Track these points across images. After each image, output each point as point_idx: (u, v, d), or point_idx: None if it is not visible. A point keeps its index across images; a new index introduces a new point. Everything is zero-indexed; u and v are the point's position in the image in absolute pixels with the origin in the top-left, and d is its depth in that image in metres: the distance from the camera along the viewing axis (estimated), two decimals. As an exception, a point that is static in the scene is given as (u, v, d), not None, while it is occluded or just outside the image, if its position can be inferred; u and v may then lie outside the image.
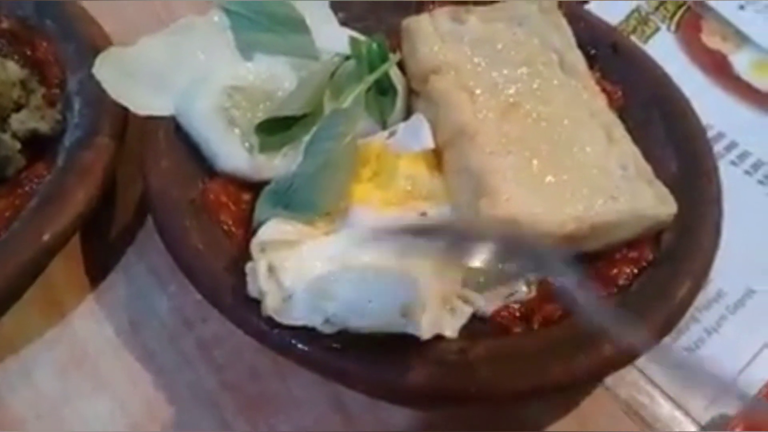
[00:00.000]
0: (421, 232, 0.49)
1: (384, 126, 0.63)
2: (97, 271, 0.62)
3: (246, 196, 0.60)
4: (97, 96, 0.64)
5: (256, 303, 0.52)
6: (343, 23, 0.71)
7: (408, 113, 0.64)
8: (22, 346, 0.57)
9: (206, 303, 0.54)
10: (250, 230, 0.56)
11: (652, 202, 0.55)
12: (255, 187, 0.60)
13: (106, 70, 0.63)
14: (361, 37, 0.67)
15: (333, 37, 0.69)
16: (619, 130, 0.60)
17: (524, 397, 0.51)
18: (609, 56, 0.68)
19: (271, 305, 0.51)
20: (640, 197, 0.55)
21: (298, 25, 0.68)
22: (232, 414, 0.55)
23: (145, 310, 0.60)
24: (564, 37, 0.65)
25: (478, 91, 0.60)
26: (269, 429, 0.54)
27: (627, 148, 0.59)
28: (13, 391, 0.55)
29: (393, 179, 0.58)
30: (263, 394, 0.55)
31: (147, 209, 0.63)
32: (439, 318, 0.52)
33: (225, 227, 0.58)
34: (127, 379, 0.56)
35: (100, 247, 0.63)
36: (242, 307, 0.52)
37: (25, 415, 0.54)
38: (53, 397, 0.55)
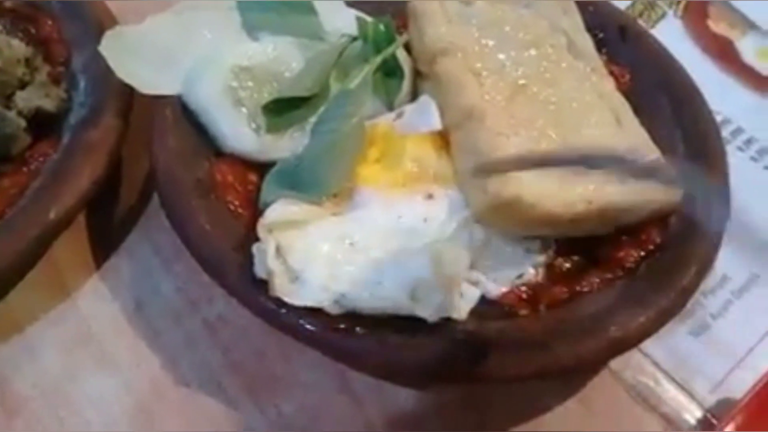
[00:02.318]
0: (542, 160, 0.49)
1: (391, 107, 0.63)
2: (103, 250, 0.62)
3: (252, 177, 0.60)
4: (102, 75, 0.63)
5: (263, 283, 0.51)
6: (350, 4, 0.71)
7: (414, 95, 0.64)
8: (27, 325, 0.57)
9: (212, 283, 0.54)
10: (257, 211, 0.56)
11: (660, 185, 0.55)
12: (261, 167, 0.59)
13: (113, 49, 0.63)
14: (368, 18, 0.67)
15: (340, 18, 0.68)
16: (627, 113, 0.60)
17: (530, 379, 0.51)
18: (617, 39, 0.68)
19: (278, 286, 0.51)
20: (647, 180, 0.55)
21: (305, 6, 0.68)
22: (238, 394, 0.55)
23: (151, 290, 0.60)
24: (572, 19, 0.65)
25: (485, 73, 0.60)
26: (275, 409, 0.54)
27: (635, 131, 0.58)
28: (18, 369, 0.55)
29: (400, 161, 0.58)
30: (269, 375, 0.55)
31: (153, 189, 0.62)
32: (447, 300, 0.52)
33: (231, 207, 0.58)
34: (132, 359, 0.56)
35: (106, 227, 0.63)
36: (249, 288, 0.52)
37: (29, 393, 0.54)
38: (58, 376, 0.55)
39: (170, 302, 0.59)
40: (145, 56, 0.64)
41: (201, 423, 0.53)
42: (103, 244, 0.62)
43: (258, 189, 0.58)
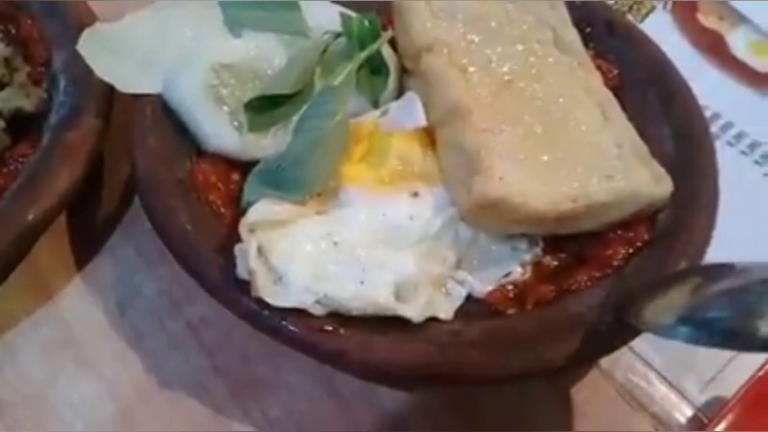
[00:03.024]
0: None
1: (376, 105, 0.62)
2: (84, 252, 0.61)
3: (235, 176, 0.59)
4: (82, 74, 0.62)
5: (246, 284, 0.51)
6: (335, 0, 0.70)
7: (400, 92, 0.63)
8: (8, 328, 0.57)
9: (194, 285, 0.53)
10: (239, 211, 0.55)
11: (648, 181, 0.55)
12: (244, 166, 0.59)
13: (92, 47, 0.62)
14: (353, 14, 0.66)
15: (323, 14, 0.67)
16: (615, 109, 0.59)
17: (518, 379, 0.50)
18: (604, 34, 0.67)
19: (261, 287, 0.50)
20: (635, 176, 0.54)
21: (288, 2, 0.67)
22: (223, 398, 0.54)
23: (133, 292, 0.59)
24: (559, 14, 0.64)
25: (471, 69, 0.59)
26: (261, 413, 0.53)
27: (623, 127, 0.58)
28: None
29: (385, 158, 0.57)
30: (254, 378, 0.55)
31: (134, 189, 0.62)
32: (433, 300, 0.51)
33: (214, 207, 0.57)
34: (115, 362, 0.55)
35: (87, 228, 0.62)
36: (232, 289, 0.51)
37: (11, 397, 0.53)
38: (39, 380, 0.54)
39: (153, 304, 0.58)
40: (124, 54, 0.63)
41: (186, 427, 0.52)
42: (85, 246, 0.61)
43: (240, 188, 0.57)
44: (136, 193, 0.58)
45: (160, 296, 0.58)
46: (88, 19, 0.68)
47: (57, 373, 0.54)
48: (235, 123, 0.60)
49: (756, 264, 0.46)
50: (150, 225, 0.55)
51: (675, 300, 0.46)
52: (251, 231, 0.53)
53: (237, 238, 0.53)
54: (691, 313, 0.43)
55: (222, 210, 0.57)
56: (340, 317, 0.50)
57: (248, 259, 0.51)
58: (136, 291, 0.59)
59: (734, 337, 0.41)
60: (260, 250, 0.52)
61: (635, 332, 0.50)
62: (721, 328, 0.42)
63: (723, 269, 0.48)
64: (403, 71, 0.64)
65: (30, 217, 0.55)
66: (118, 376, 0.54)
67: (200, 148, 0.60)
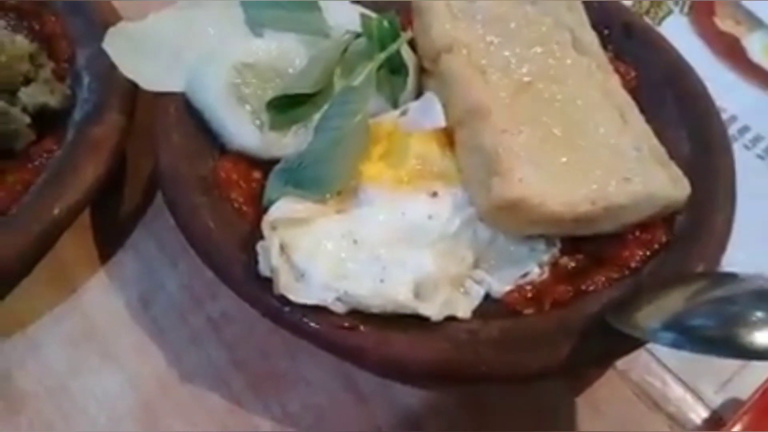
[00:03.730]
0: None
1: (395, 105, 0.63)
2: (107, 246, 0.62)
3: (256, 174, 0.60)
4: (106, 71, 0.63)
5: (268, 281, 0.51)
6: (355, 0, 0.71)
7: (419, 92, 0.64)
8: (32, 321, 0.57)
9: (216, 280, 0.54)
10: (261, 208, 0.56)
11: (666, 183, 0.55)
12: (265, 164, 0.59)
13: (117, 46, 0.63)
14: (373, 15, 0.67)
15: (344, 15, 0.68)
16: (633, 111, 0.59)
17: (535, 379, 0.51)
18: (622, 36, 0.68)
19: (283, 283, 0.51)
20: (653, 178, 0.55)
21: (309, 2, 0.68)
22: (243, 392, 0.55)
23: (156, 287, 0.60)
24: (577, 16, 0.64)
25: (490, 70, 0.59)
26: (280, 408, 0.54)
27: (640, 129, 0.58)
28: (23, 365, 0.55)
29: (404, 158, 0.58)
30: (274, 373, 0.55)
31: (157, 186, 0.63)
32: (452, 299, 0.52)
33: (235, 205, 0.58)
34: (137, 355, 0.56)
35: (110, 223, 0.63)
36: (254, 286, 0.52)
37: (34, 389, 0.54)
38: (62, 372, 0.55)
39: (175, 299, 0.59)
40: (148, 53, 0.64)
41: (206, 421, 0.53)
42: (108, 241, 0.62)
43: (262, 186, 0.58)
44: (160, 190, 0.59)
45: (182, 291, 0.59)
46: (111, 17, 0.69)
47: (80, 366, 0.55)
48: (257, 122, 0.60)
49: (755, 275, 0.47)
50: (172, 221, 0.56)
51: (667, 306, 0.47)
52: (273, 228, 0.53)
53: (259, 236, 0.53)
54: (677, 319, 0.45)
55: (244, 207, 0.58)
56: (359, 314, 0.50)
57: (271, 256, 0.51)
58: (159, 286, 0.60)
59: (715, 344, 0.43)
60: (282, 248, 0.52)
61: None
62: (703, 336, 0.43)
63: (725, 277, 0.49)
64: (422, 71, 0.64)
65: (55, 211, 0.56)
66: (140, 369, 0.55)
67: (223, 146, 0.60)
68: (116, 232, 0.63)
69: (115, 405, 0.53)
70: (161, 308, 0.58)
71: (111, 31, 0.63)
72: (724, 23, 0.79)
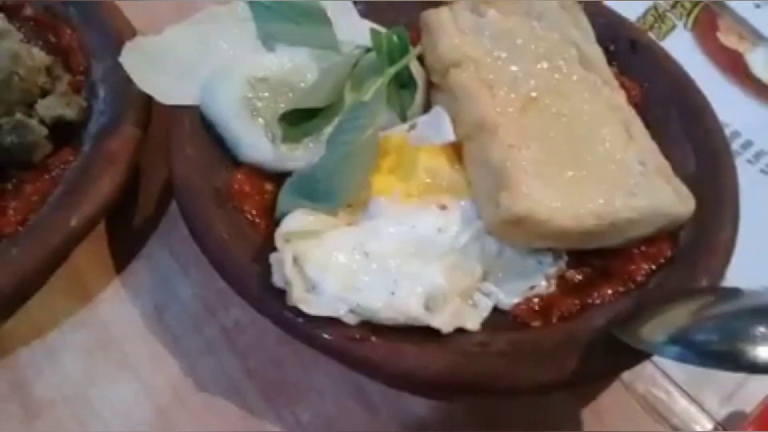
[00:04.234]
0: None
1: (404, 119, 0.64)
2: (121, 256, 0.63)
3: (268, 186, 0.61)
4: (122, 84, 0.64)
5: (281, 292, 0.52)
6: (363, 15, 0.72)
7: (427, 106, 0.65)
8: (48, 329, 0.58)
9: (228, 290, 0.55)
10: (273, 220, 0.57)
11: (671, 199, 0.56)
12: (277, 177, 0.60)
13: (133, 59, 0.64)
14: (382, 30, 0.68)
15: (353, 29, 0.69)
16: (639, 126, 0.60)
17: (543, 391, 0.52)
18: (627, 52, 0.69)
19: (296, 295, 0.52)
20: (658, 194, 0.56)
21: (319, 17, 0.69)
22: (256, 400, 0.56)
23: (169, 296, 0.61)
24: (583, 32, 0.65)
25: (498, 85, 0.60)
26: (292, 416, 0.55)
27: (646, 144, 0.59)
28: (40, 373, 0.56)
29: (413, 171, 0.59)
30: (285, 382, 0.56)
31: (170, 197, 0.64)
32: (461, 311, 0.52)
33: (248, 217, 0.59)
34: (152, 363, 0.57)
35: (125, 233, 0.64)
36: (267, 297, 0.53)
37: (51, 396, 0.55)
38: (79, 380, 0.56)
39: (188, 308, 0.60)
40: (164, 67, 0.65)
41: (220, 428, 0.53)
42: (123, 250, 0.63)
43: (274, 198, 0.59)
44: (174, 202, 0.60)
45: (195, 300, 0.60)
46: (126, 31, 0.70)
47: (96, 374, 0.56)
48: (270, 135, 0.61)
49: (759, 291, 0.48)
50: (185, 232, 0.57)
51: (672, 320, 0.48)
52: (287, 241, 0.54)
53: (271, 247, 0.54)
54: (682, 334, 0.46)
55: (257, 219, 0.59)
56: (370, 326, 0.51)
57: (284, 268, 0.52)
58: (172, 295, 0.61)
59: (719, 359, 0.44)
60: (295, 260, 0.53)
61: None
62: (708, 350, 0.44)
63: (729, 292, 0.50)
64: (431, 86, 0.65)
65: (72, 222, 0.57)
66: (155, 377, 0.56)
67: (236, 158, 0.61)
68: (130, 241, 0.64)
69: (131, 413, 0.54)
70: (175, 317, 0.59)
71: (127, 45, 0.65)
72: (728, 39, 0.80)
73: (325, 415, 0.55)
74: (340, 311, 0.51)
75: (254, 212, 0.59)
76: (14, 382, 0.55)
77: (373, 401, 0.56)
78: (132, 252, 0.63)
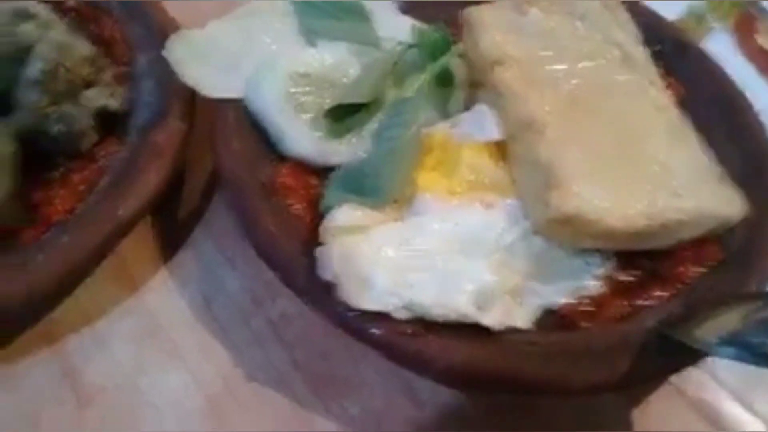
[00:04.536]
0: None
1: (445, 116, 0.64)
2: (169, 246, 0.63)
3: (313, 180, 0.61)
4: (166, 76, 0.65)
5: (329, 286, 0.53)
6: (404, 12, 0.72)
7: (468, 104, 0.64)
8: (98, 318, 0.59)
9: (274, 283, 0.55)
10: (318, 214, 0.58)
11: (719, 201, 0.56)
12: (321, 171, 0.61)
13: (177, 52, 0.65)
14: (424, 26, 0.68)
15: (393, 26, 0.70)
16: (686, 127, 0.60)
17: (596, 392, 0.52)
18: (671, 53, 0.69)
19: (346, 290, 0.52)
20: (707, 196, 0.55)
21: (360, 13, 0.70)
22: (304, 393, 0.56)
23: (216, 287, 0.61)
24: (627, 32, 0.65)
25: (542, 84, 0.60)
26: (341, 409, 0.55)
27: (693, 146, 0.59)
28: (90, 361, 0.57)
29: (457, 168, 0.59)
30: (333, 375, 0.57)
31: (214, 189, 0.64)
32: (510, 309, 0.53)
33: (294, 210, 0.59)
34: (201, 353, 0.57)
35: (170, 224, 0.65)
36: (316, 290, 0.53)
37: (103, 383, 0.56)
38: (129, 368, 0.57)
39: (235, 300, 0.60)
40: (207, 60, 0.66)
41: (271, 420, 0.54)
42: (169, 241, 0.64)
43: (318, 192, 0.59)
44: (220, 194, 0.60)
45: (242, 292, 0.60)
46: (168, 24, 0.70)
47: (146, 363, 0.57)
48: (314, 130, 0.62)
49: None
50: (229, 224, 0.58)
51: (726, 321, 0.48)
52: (334, 235, 0.55)
53: (316, 241, 0.55)
54: (737, 335, 0.46)
55: (301, 213, 0.59)
56: (421, 322, 0.52)
57: (332, 262, 0.53)
58: (219, 286, 0.61)
59: None
60: (343, 254, 0.54)
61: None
62: (764, 351, 0.45)
63: None
64: (472, 83, 0.65)
65: (120, 213, 0.58)
66: (205, 367, 0.56)
67: (280, 152, 0.62)
68: (176, 232, 0.64)
69: (182, 402, 0.55)
70: (222, 308, 0.60)
71: (173, 38, 0.65)
72: (766, 41, 0.80)
73: (374, 409, 0.55)
74: (390, 306, 0.52)
75: (299, 206, 0.59)
76: (65, 369, 0.56)
77: (421, 397, 0.56)
78: (177, 242, 0.63)
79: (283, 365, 0.57)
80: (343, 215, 0.56)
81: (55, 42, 0.64)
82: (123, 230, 0.58)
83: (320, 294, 0.53)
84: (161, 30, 0.69)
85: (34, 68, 0.62)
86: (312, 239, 0.56)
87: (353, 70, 0.65)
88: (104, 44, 0.70)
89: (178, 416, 0.54)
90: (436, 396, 0.56)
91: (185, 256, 0.62)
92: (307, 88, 0.63)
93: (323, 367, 0.57)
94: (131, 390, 0.55)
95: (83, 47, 0.67)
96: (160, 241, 0.63)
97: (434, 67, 0.65)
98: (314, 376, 0.57)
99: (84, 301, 0.59)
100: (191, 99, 0.65)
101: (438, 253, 0.55)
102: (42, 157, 0.62)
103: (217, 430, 0.53)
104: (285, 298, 0.57)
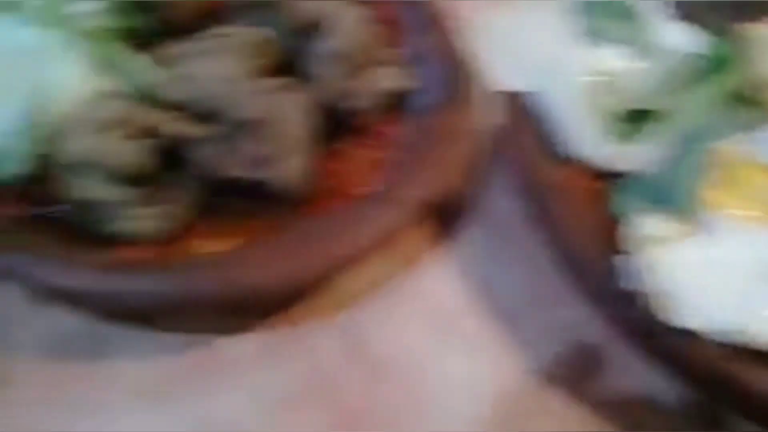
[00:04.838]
0: None
1: (733, 132, 0.62)
2: (445, 234, 0.64)
3: (597, 185, 0.60)
4: (450, 63, 0.66)
5: (628, 297, 0.52)
6: (678, 17, 0.70)
7: (748, 121, 0.62)
8: (380, 294, 0.59)
9: (557, 285, 0.56)
10: (603, 220, 0.57)
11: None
12: (605, 175, 0.60)
13: (467, 40, 0.65)
14: (711, 37, 0.66)
15: (676, 34, 0.68)
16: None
17: None
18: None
19: (656, 304, 0.51)
20: None
21: (638, 16, 0.68)
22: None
23: (499, 276, 0.61)
24: None
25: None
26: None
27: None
28: (375, 334, 0.57)
29: (751, 189, 0.58)
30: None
31: (487, 179, 0.65)
32: None
33: (580, 213, 0.58)
34: (492, 344, 0.57)
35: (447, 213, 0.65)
36: (615, 301, 0.53)
37: (393, 357, 0.56)
38: (416, 347, 0.56)
39: (520, 296, 0.60)
40: (497, 51, 0.66)
41: (570, 420, 0.53)
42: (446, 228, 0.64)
43: (602, 197, 0.59)
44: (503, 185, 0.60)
45: (524, 290, 0.60)
46: (444, 13, 0.71)
47: (431, 344, 0.56)
48: (603, 133, 0.61)
49: None
50: (499, 216, 0.60)
51: None
52: (640, 245, 0.54)
53: (604, 247, 0.54)
54: None
55: (587, 217, 0.58)
56: (732, 346, 0.50)
57: (639, 273, 0.52)
58: (502, 276, 0.61)
59: None
60: (649, 266, 0.53)
61: None
62: None
63: None
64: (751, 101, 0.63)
65: (422, 194, 0.59)
66: (494, 358, 0.56)
67: (566, 152, 0.61)
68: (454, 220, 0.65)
69: (473, 391, 0.54)
70: (507, 298, 0.59)
71: (460, 26, 0.66)
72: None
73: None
74: (700, 326, 0.51)
75: (582, 209, 0.59)
76: (350, 343, 0.57)
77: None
78: (455, 229, 0.64)
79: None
80: (650, 226, 0.55)
81: (354, 18, 0.65)
82: (425, 212, 0.59)
83: (620, 303, 0.53)
84: (439, 15, 0.69)
85: (335, 42, 0.64)
86: (609, 247, 0.55)
87: (639, 76, 0.64)
88: (386, 24, 0.72)
89: (468, 405, 0.53)
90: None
91: (465, 244, 0.63)
92: (601, 90, 0.63)
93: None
94: (419, 369, 0.55)
95: (373, 26, 0.69)
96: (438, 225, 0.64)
97: (727, 81, 0.63)
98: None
99: (370, 273, 0.59)
100: (476, 88, 0.66)
101: (743, 276, 0.53)
102: (329, 132, 0.64)
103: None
104: (567, 304, 0.57)
